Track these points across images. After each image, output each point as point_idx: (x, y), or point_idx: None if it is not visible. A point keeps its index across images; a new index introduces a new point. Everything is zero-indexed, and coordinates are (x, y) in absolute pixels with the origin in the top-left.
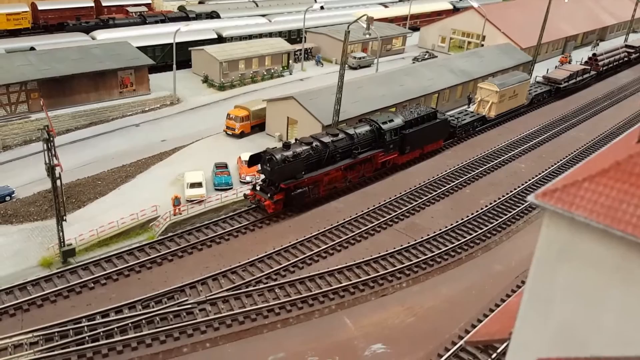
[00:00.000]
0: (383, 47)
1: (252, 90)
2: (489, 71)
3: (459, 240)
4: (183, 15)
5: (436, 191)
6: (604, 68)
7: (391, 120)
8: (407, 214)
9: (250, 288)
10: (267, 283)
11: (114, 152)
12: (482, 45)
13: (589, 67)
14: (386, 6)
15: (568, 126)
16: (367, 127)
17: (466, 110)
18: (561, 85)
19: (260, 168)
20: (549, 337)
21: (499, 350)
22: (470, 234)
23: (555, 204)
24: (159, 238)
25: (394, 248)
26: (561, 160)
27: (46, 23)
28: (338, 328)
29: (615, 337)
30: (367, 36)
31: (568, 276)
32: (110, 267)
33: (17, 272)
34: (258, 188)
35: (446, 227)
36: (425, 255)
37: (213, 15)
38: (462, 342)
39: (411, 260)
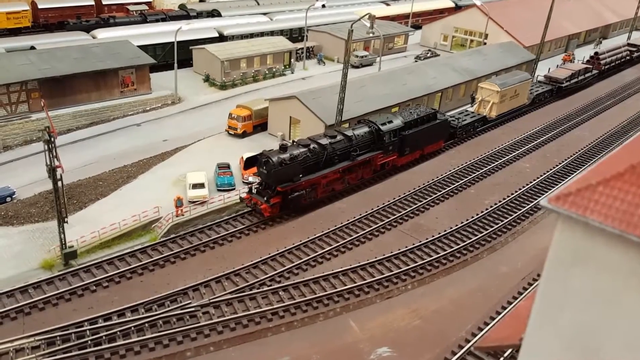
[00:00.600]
0: (385, 46)
1: (253, 90)
2: (492, 70)
3: (464, 241)
4: (184, 14)
5: (440, 191)
6: (606, 67)
7: (390, 121)
8: (412, 215)
9: (254, 291)
10: (271, 285)
11: (115, 152)
12: (485, 43)
13: (591, 66)
14: (388, 4)
15: (571, 125)
16: (366, 129)
17: (467, 111)
18: (563, 85)
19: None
20: (562, 342)
21: (505, 355)
22: (476, 235)
23: (569, 208)
24: (162, 240)
25: (399, 249)
26: (566, 159)
27: (46, 22)
28: (343, 331)
29: (629, 342)
30: (371, 34)
31: (582, 281)
32: (112, 270)
33: (18, 274)
34: (254, 191)
35: (451, 227)
36: (431, 256)
37: (214, 13)
38: (468, 345)
39: (416, 262)
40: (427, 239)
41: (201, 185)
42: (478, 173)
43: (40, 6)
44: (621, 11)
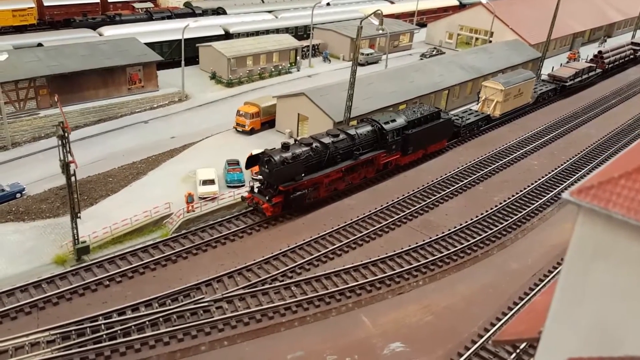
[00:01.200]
0: (390, 44)
1: (259, 87)
2: (498, 67)
3: (474, 237)
4: (189, 12)
5: (449, 188)
6: (610, 66)
7: (393, 120)
8: (421, 212)
9: (267, 286)
10: (283, 281)
11: (123, 149)
12: (490, 41)
13: (595, 65)
14: (392, 2)
15: (578, 123)
16: (369, 127)
17: (470, 110)
18: (567, 84)
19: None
20: (582, 336)
21: (519, 350)
22: (486, 232)
23: (592, 201)
24: (173, 235)
25: (409, 246)
26: (574, 157)
27: (52, 19)
28: (356, 326)
29: None
30: (380, 32)
31: (603, 274)
32: (125, 265)
33: (31, 269)
34: (256, 190)
35: (461, 224)
36: (441, 253)
37: (219, 11)
38: (482, 340)
39: (427, 258)
40: (437, 235)
41: (211, 182)
42: (486, 170)
43: (45, 3)
44: (626, 10)
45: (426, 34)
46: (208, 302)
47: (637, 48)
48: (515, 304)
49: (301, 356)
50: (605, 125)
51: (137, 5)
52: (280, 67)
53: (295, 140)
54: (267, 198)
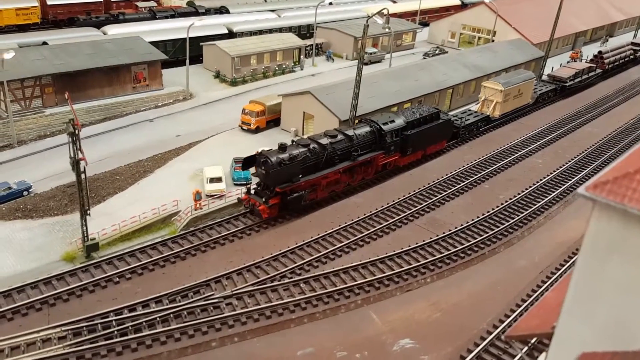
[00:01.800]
0: (393, 43)
1: (263, 86)
2: (502, 66)
3: (481, 235)
4: (192, 10)
5: (455, 186)
6: (610, 66)
7: (392, 121)
8: (427, 209)
9: (275, 283)
10: (291, 278)
11: (129, 147)
12: (493, 40)
13: (595, 65)
14: (395, 1)
15: (582, 122)
16: (367, 128)
17: (469, 110)
18: (567, 84)
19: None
20: (596, 331)
21: (527, 347)
22: (492, 229)
23: (607, 196)
24: (181, 233)
25: (417, 243)
26: (578, 155)
27: (55, 18)
28: (365, 323)
29: None
30: (387, 30)
31: (618, 269)
32: (134, 262)
33: (40, 266)
34: (252, 192)
35: (467, 222)
36: (449, 250)
37: (222, 10)
38: (491, 336)
39: (434, 256)
40: (444, 233)
41: (218, 179)
42: (491, 169)
43: (49, 2)
44: (627, 9)
45: (428, 33)
46: (218, 298)
47: (638, 48)
48: (524, 300)
49: (311, 352)
50: (608, 124)
51: (140, 4)
52: (284, 66)
53: (293, 141)
54: (263, 200)
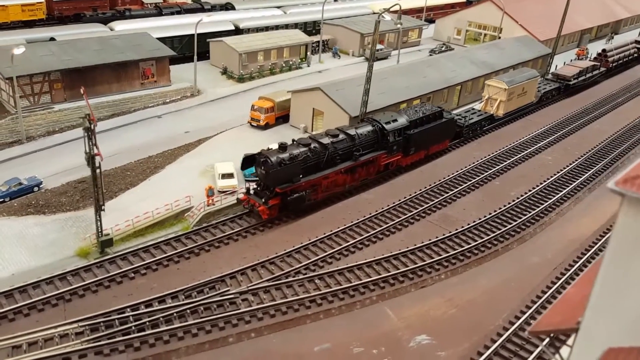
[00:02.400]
0: (400, 40)
1: (271, 82)
2: (510, 63)
3: (493, 232)
4: (198, 7)
5: (466, 183)
6: (614, 64)
7: (395, 120)
8: (439, 206)
9: (290, 279)
10: (306, 274)
11: (138, 143)
12: (499, 37)
13: (599, 64)
14: None
15: (589, 119)
16: (369, 127)
17: (473, 109)
18: (571, 82)
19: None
20: (623, 326)
21: (544, 343)
22: (505, 226)
23: (637, 190)
24: (194, 228)
25: (430, 240)
26: (588, 152)
27: (61, 14)
28: (381, 319)
29: None
30: (399, 26)
31: None
32: (148, 257)
33: (54, 262)
34: (252, 192)
35: (479, 219)
36: (462, 247)
37: (228, 6)
38: (508, 332)
39: (448, 252)
40: (456, 229)
41: (230, 175)
42: (502, 165)
43: None
44: (632, 7)
45: (434, 30)
46: (234, 294)
47: None
48: (539, 297)
49: (328, 348)
50: (616, 121)
51: (145, 0)
52: (290, 63)
53: (294, 140)
54: (263, 200)
